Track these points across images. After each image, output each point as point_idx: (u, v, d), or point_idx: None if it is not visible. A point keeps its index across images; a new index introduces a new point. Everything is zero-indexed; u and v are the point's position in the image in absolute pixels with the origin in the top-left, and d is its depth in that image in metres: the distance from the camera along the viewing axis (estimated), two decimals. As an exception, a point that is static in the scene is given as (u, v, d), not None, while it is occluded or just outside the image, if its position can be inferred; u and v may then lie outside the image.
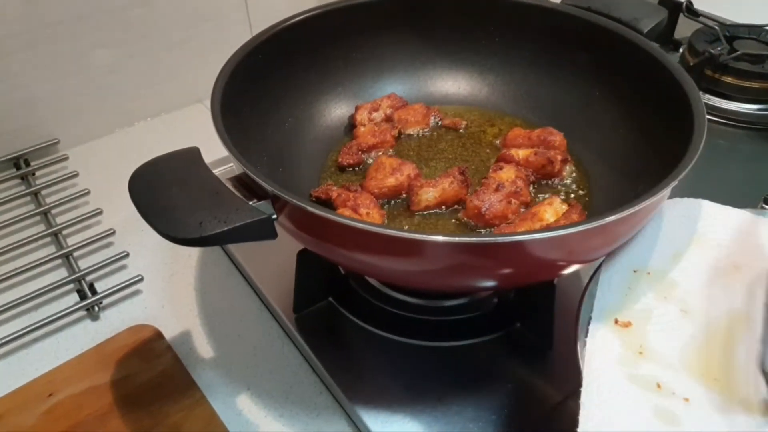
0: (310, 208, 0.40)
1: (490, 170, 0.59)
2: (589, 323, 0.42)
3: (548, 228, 0.42)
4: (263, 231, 0.41)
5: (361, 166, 0.62)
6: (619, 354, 0.41)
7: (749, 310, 0.44)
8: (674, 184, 0.42)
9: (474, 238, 0.39)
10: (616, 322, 0.43)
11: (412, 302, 0.55)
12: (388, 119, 0.65)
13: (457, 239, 0.39)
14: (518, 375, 0.51)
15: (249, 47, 0.57)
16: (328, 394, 0.51)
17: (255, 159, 0.55)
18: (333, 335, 0.54)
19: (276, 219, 0.43)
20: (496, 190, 0.56)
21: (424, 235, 0.38)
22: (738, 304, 0.44)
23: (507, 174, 0.58)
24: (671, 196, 0.50)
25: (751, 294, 0.45)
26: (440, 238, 0.38)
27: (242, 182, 0.44)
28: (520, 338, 0.53)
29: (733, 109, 0.80)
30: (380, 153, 0.63)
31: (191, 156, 0.44)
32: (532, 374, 0.51)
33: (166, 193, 0.41)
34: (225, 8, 0.82)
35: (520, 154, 0.60)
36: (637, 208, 0.40)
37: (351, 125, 0.66)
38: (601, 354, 0.40)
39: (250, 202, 0.42)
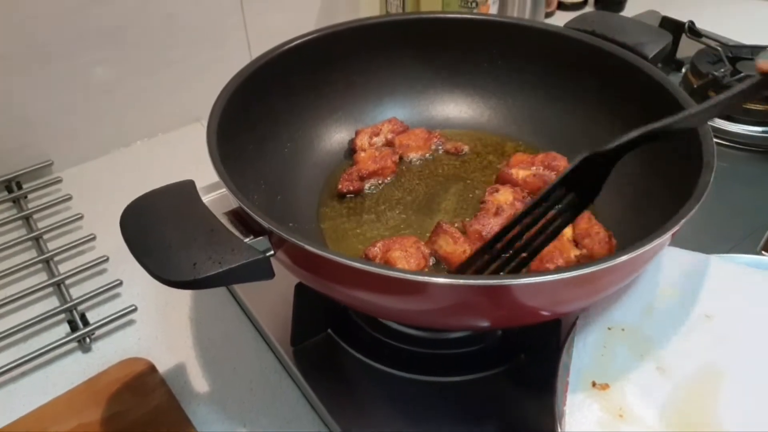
0: (307, 247, 0.38)
1: (487, 193, 0.58)
2: (566, 389, 0.41)
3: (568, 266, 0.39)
4: (259, 272, 0.39)
5: (360, 193, 0.61)
6: (598, 418, 0.39)
7: (724, 363, 0.43)
8: (681, 224, 0.40)
9: (473, 281, 0.37)
10: (594, 384, 0.42)
11: (414, 335, 0.54)
12: (389, 144, 0.64)
13: (456, 281, 0.37)
14: (523, 410, 0.49)
15: (246, 73, 0.55)
16: (327, 431, 0.50)
17: (252, 187, 0.54)
18: (332, 369, 0.53)
19: (273, 255, 0.42)
20: (496, 213, 0.55)
21: (424, 277, 0.37)
22: (713, 357, 0.43)
23: (504, 196, 0.57)
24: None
25: (725, 345, 0.44)
26: (440, 280, 0.37)
27: (239, 216, 0.43)
28: (525, 371, 0.52)
29: (737, 131, 0.79)
30: (381, 181, 0.61)
31: (186, 190, 0.43)
32: (537, 409, 0.49)
33: (159, 231, 0.39)
34: (223, 27, 0.81)
35: (521, 174, 0.59)
36: (642, 250, 0.38)
37: (351, 150, 0.64)
38: (580, 422, 0.39)
39: (247, 239, 0.41)
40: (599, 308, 0.47)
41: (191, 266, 0.37)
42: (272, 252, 0.41)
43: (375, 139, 0.63)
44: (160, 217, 0.40)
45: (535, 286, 0.37)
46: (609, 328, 0.46)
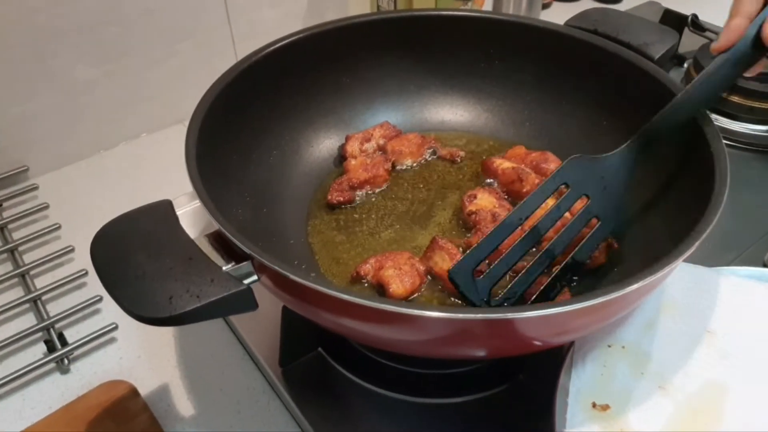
0: (292, 276, 0.36)
1: (466, 202, 0.56)
2: (565, 411, 0.40)
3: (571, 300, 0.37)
4: (241, 304, 0.37)
5: (351, 204, 0.58)
6: None
7: (728, 380, 0.41)
8: (694, 247, 0.38)
9: (460, 315, 0.35)
10: (594, 405, 0.40)
11: (409, 354, 0.51)
12: (380, 150, 0.61)
13: (451, 315, 0.34)
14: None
15: (229, 77, 0.52)
16: (318, 457, 0.47)
17: (237, 201, 0.51)
18: (323, 390, 0.50)
19: (257, 280, 0.39)
20: (494, 221, 0.53)
21: (418, 310, 0.34)
22: (716, 375, 0.42)
23: (485, 201, 0.55)
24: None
25: (728, 362, 0.43)
26: (432, 314, 0.34)
27: (220, 239, 0.40)
28: (524, 391, 0.50)
29: (740, 130, 0.76)
30: (373, 190, 0.59)
31: (163, 212, 0.40)
32: (537, 431, 0.47)
33: (133, 260, 0.36)
34: (207, 24, 0.78)
35: (502, 165, 0.58)
36: (652, 278, 0.36)
37: (341, 157, 0.61)
38: None
39: (229, 265, 0.38)
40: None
41: (167, 301, 0.34)
42: (255, 278, 0.39)
43: (366, 145, 0.60)
44: (134, 244, 0.38)
45: (536, 319, 0.35)
46: (609, 346, 0.44)
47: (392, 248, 0.54)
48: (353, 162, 0.59)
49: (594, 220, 0.48)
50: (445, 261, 0.49)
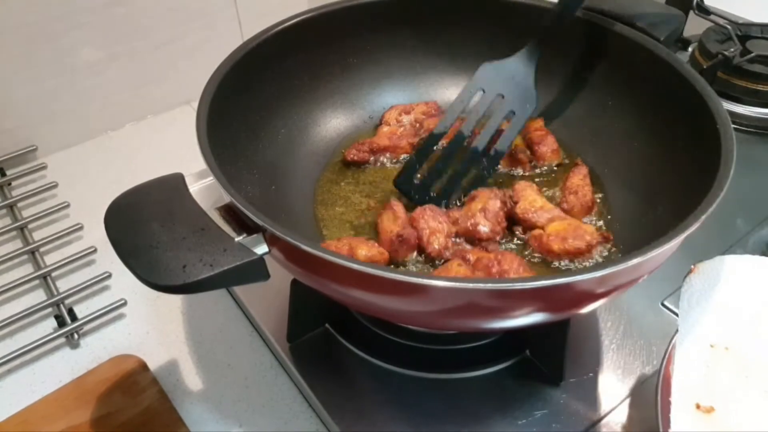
0: (304, 247, 0.36)
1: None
2: (668, 410, 0.39)
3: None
4: (254, 273, 0.37)
5: (365, 165, 0.60)
6: None
7: None
8: (701, 220, 0.38)
9: (475, 284, 0.35)
10: (698, 407, 0.40)
11: (415, 330, 0.52)
12: (418, 124, 0.62)
13: (462, 285, 0.35)
14: (528, 407, 0.48)
15: (237, 56, 0.52)
16: (326, 431, 0.48)
17: (246, 177, 0.52)
18: (330, 366, 0.51)
19: (268, 252, 0.39)
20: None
21: (429, 280, 0.35)
22: None
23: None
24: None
25: None
26: (443, 283, 0.35)
27: (231, 212, 0.41)
28: (530, 369, 0.50)
29: (745, 113, 0.76)
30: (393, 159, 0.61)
31: (174, 184, 0.40)
32: (542, 408, 0.48)
33: (146, 230, 0.37)
34: (213, 6, 0.78)
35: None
36: (654, 253, 0.36)
37: (379, 121, 0.63)
38: None
39: (240, 237, 0.38)
40: (698, 323, 0.44)
41: (180, 269, 0.35)
42: (267, 250, 0.39)
43: (404, 116, 0.62)
44: (147, 215, 0.38)
45: (546, 288, 0.35)
46: (711, 346, 0.43)
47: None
48: (384, 129, 0.61)
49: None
50: (391, 221, 0.51)
